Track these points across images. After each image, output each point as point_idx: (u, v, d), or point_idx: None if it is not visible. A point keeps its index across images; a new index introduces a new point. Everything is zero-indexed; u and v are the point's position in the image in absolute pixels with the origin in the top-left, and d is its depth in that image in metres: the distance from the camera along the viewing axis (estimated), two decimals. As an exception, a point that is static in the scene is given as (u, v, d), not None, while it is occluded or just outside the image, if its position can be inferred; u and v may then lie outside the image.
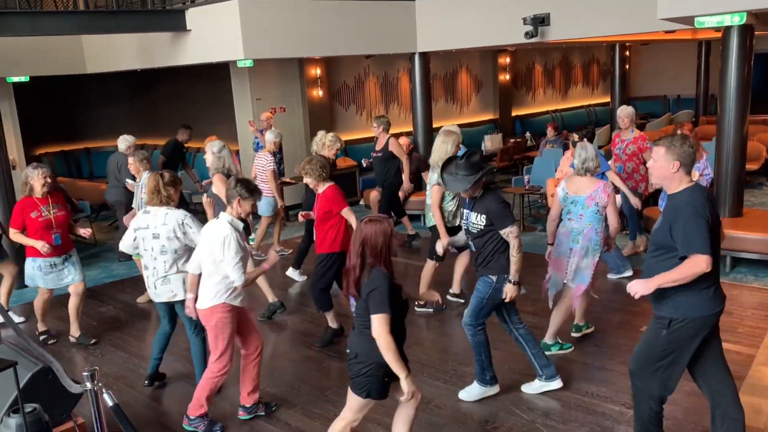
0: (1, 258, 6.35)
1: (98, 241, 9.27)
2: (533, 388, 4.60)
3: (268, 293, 6.31)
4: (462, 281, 6.40)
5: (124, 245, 4.70)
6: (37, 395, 2.35)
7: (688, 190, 3.37)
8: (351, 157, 11.88)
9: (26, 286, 7.46)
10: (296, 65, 11.45)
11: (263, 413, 4.47)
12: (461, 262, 6.29)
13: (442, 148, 5.70)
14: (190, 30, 8.66)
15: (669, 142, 3.37)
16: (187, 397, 4.82)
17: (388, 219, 3.32)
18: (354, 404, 3.40)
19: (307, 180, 5.42)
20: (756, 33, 7.09)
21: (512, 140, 13.92)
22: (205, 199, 5.02)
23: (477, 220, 4.31)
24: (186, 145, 9.76)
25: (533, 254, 8.02)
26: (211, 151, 5.89)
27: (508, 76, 15.82)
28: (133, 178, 6.66)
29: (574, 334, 5.40)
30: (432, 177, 5.80)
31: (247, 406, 4.45)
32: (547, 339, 5.17)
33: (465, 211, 4.46)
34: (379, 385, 3.29)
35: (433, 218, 5.84)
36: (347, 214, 5.33)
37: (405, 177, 8.24)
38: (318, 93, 11.80)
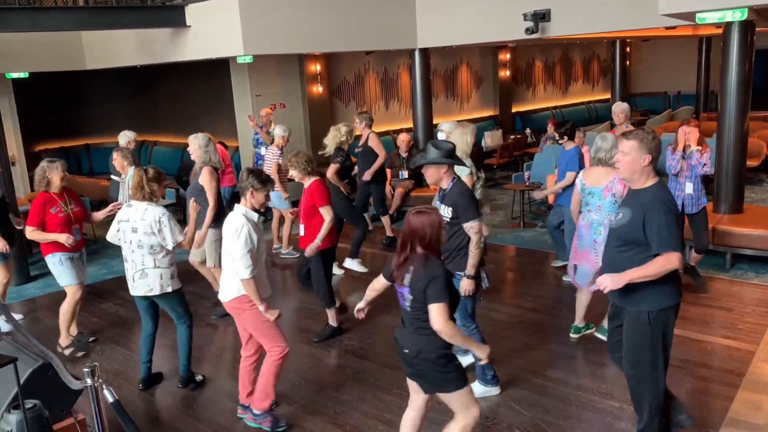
0: (5, 258, 6.21)
1: (98, 238, 9.26)
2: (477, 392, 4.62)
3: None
4: None
5: (110, 235, 4.79)
6: (37, 391, 2.34)
7: (657, 185, 3.41)
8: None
9: (26, 283, 7.53)
10: (296, 61, 11.43)
11: (268, 429, 4.25)
12: None
13: (462, 140, 5.71)
14: (189, 26, 8.64)
15: (641, 136, 3.40)
16: (189, 393, 4.83)
17: (436, 210, 3.29)
18: (461, 400, 3.33)
19: (292, 173, 5.43)
20: (757, 29, 7.08)
21: (512, 137, 13.89)
22: (191, 203, 5.00)
23: (445, 213, 4.36)
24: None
25: (536, 251, 8.06)
26: (198, 144, 5.97)
27: (508, 73, 15.81)
28: (119, 174, 6.81)
29: (573, 336, 5.39)
30: (461, 168, 5.75)
31: (257, 413, 4.26)
32: (577, 322, 5.36)
33: (437, 203, 4.51)
34: (460, 367, 3.31)
35: None
36: (325, 212, 5.33)
37: (370, 171, 8.04)
38: (318, 89, 11.78)
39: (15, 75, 10.13)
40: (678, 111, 16.05)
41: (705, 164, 5.98)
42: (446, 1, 9.57)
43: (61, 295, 6.20)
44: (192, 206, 4.95)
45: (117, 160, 6.63)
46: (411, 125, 11.13)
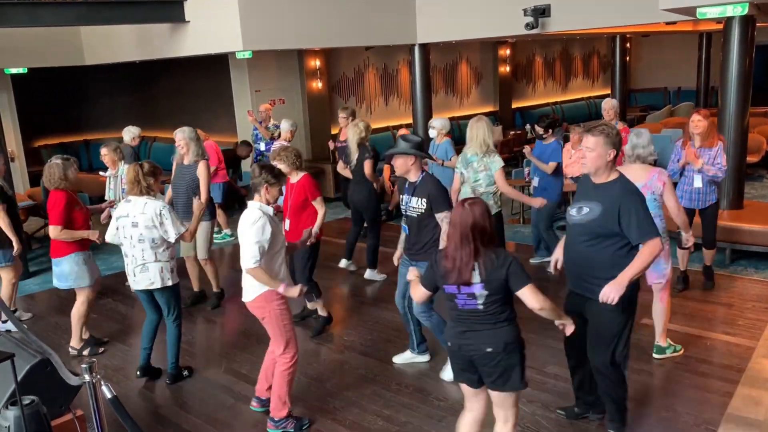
0: (10, 260, 6.04)
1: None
2: (404, 358, 5.05)
3: (213, 281, 6.43)
4: None
5: (109, 236, 4.76)
6: (35, 387, 2.34)
7: (621, 178, 3.47)
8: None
9: (25, 279, 7.51)
10: (295, 57, 11.41)
11: (291, 430, 4.16)
12: None
13: (480, 134, 5.74)
14: (188, 21, 8.62)
15: (606, 131, 3.44)
16: (186, 388, 4.83)
17: (481, 199, 3.24)
18: (515, 396, 3.28)
19: (280, 167, 5.40)
20: (757, 24, 7.06)
21: (512, 132, 13.89)
22: (195, 200, 5.09)
23: (417, 204, 4.44)
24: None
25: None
26: (189, 137, 6.07)
27: (508, 68, 15.78)
28: (106, 169, 6.85)
29: (656, 356, 4.94)
30: (494, 160, 5.77)
31: (276, 419, 4.15)
32: (659, 341, 4.90)
33: (405, 197, 4.57)
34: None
35: (497, 202, 5.94)
36: (319, 204, 5.38)
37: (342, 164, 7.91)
38: (317, 85, 11.76)
39: (14, 70, 10.12)
40: (678, 107, 16.04)
41: (721, 166, 5.64)
42: (446, -4, 9.56)
43: (61, 291, 6.18)
44: (197, 204, 5.03)
45: (106, 155, 6.67)
46: (411, 121, 11.11)
